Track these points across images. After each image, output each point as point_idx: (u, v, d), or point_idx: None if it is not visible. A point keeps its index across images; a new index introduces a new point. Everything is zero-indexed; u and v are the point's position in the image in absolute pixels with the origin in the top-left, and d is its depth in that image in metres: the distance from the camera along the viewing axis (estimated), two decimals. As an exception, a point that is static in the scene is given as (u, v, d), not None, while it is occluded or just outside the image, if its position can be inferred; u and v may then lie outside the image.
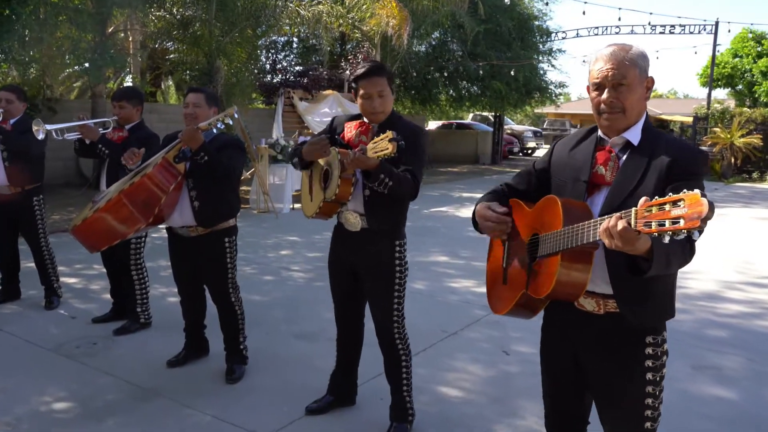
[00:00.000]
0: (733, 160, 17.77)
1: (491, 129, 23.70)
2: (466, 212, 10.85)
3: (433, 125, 26.89)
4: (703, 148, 18.33)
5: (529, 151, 27.49)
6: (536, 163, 2.19)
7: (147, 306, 4.44)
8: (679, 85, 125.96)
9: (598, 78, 1.86)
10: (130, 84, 18.04)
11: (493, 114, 23.01)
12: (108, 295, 5.09)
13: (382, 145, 2.48)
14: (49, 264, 4.93)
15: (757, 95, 30.44)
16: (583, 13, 22.33)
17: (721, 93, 36.24)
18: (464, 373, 3.80)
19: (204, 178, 3.40)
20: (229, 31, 10.35)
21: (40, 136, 3.97)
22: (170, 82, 27.60)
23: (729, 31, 18.09)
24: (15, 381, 3.55)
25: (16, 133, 4.56)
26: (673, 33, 19.31)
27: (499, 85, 17.32)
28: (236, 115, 3.32)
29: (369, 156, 2.55)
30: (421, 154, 2.82)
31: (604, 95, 1.86)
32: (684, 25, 19.19)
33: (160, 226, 3.60)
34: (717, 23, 18.77)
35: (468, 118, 28.21)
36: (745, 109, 19.60)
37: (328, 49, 12.82)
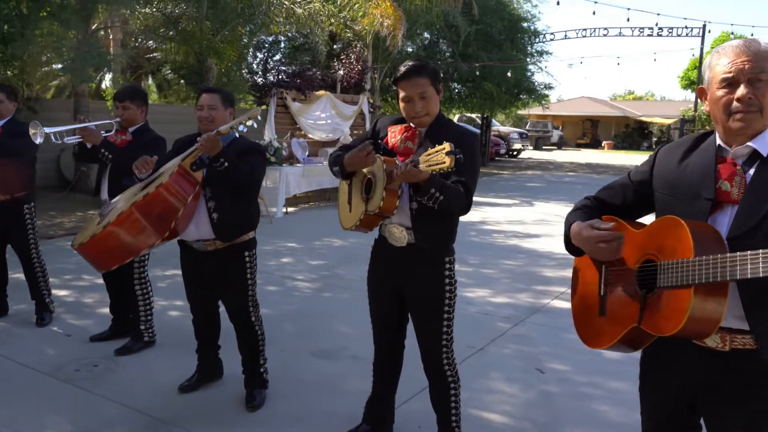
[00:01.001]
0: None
1: (478, 131, 23.53)
2: (467, 216, 10.60)
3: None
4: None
5: (515, 153, 27.38)
6: (633, 174, 1.92)
7: (151, 323, 4.11)
8: (656, 88, 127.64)
9: (730, 72, 1.60)
10: (109, 84, 17.59)
11: (479, 115, 22.85)
12: (105, 310, 4.76)
13: (438, 158, 2.20)
14: (40, 277, 4.57)
15: (736, 98, 30.85)
16: (593, 13, 22.15)
17: (693, 96, 36.70)
18: (502, 395, 3.54)
19: (223, 187, 3.09)
20: (221, 29, 9.97)
21: (38, 141, 3.62)
22: (150, 81, 27.08)
23: (709, 31, 18.09)
24: (10, 411, 3.20)
25: (6, 136, 4.20)
26: (660, 35, 19.33)
27: (490, 86, 17.14)
28: (259, 117, 3.02)
29: (421, 169, 2.27)
30: (475, 163, 2.54)
31: (740, 91, 1.59)
32: (672, 28, 19.21)
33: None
34: (704, 26, 18.83)
35: (454, 120, 28.04)
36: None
37: (325, 49, 12.47)
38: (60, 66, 12.93)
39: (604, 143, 40.84)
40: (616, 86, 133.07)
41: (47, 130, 3.60)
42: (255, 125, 3.01)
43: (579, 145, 42.11)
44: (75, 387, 3.51)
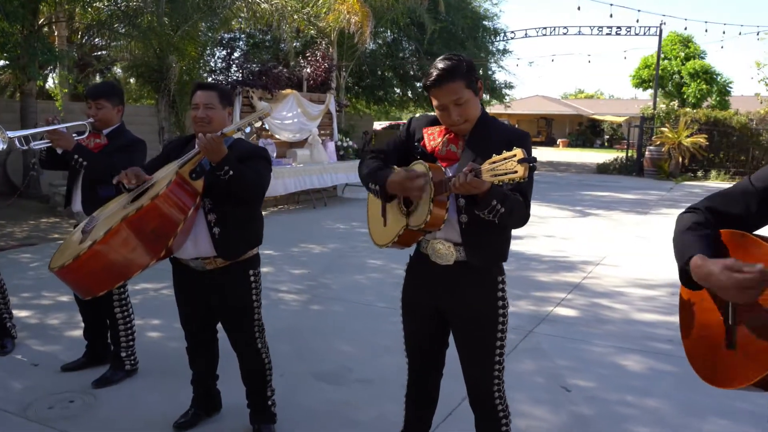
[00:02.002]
0: (680, 159, 18.12)
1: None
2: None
3: (378, 126, 26.37)
4: (651, 147, 18.67)
5: (476, 152, 27.34)
6: (755, 180, 1.64)
7: (133, 349, 3.66)
8: (605, 87, 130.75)
9: None
10: (54, 83, 16.59)
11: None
12: (74, 333, 4.30)
13: (507, 167, 1.88)
14: (0, 299, 4.05)
15: (685, 96, 31.67)
16: (578, 8, 22.04)
17: (644, 94, 37.48)
18: (534, 419, 3.24)
19: (225, 197, 2.70)
20: (181, 25, 9.41)
21: (0, 147, 3.13)
22: (98, 80, 25.95)
23: (660, 31, 18.30)
24: (-24, 463, 2.74)
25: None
26: (619, 34, 19.55)
27: (455, 85, 16.93)
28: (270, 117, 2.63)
29: (484, 179, 1.95)
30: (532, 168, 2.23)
31: None
32: (630, 27, 19.47)
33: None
34: (661, 25, 19.13)
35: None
36: (688, 109, 20.08)
37: (293, 46, 12.00)
38: (3, 63, 12.08)
39: (558, 141, 41.43)
40: (567, 85, 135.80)
41: (11, 134, 3.11)
42: (267, 127, 2.62)
43: (534, 143, 42.51)
44: (49, 428, 3.05)
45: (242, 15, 10.16)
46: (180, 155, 2.88)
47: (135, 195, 2.67)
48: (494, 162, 1.93)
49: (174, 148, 2.98)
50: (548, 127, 44.84)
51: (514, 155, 1.88)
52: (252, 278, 2.87)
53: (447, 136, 2.29)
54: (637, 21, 18.46)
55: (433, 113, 2.42)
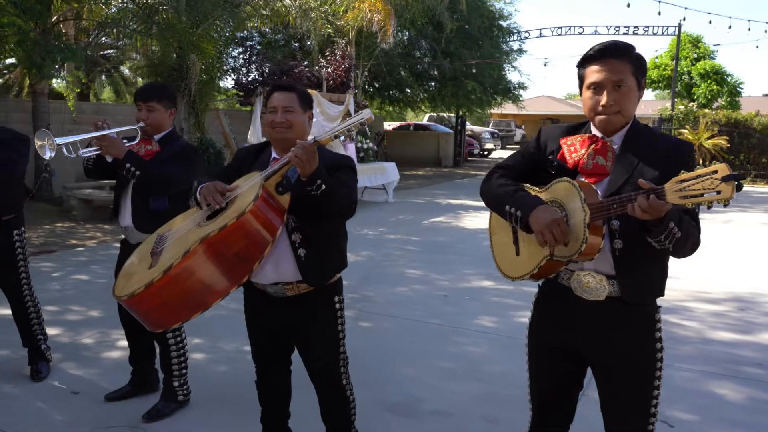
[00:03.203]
0: (701, 161, 17.78)
1: (450, 130, 23.05)
2: (469, 222, 10.01)
3: (387, 126, 26.04)
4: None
5: (487, 153, 27.03)
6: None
7: (186, 378, 3.30)
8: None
9: None
10: (61, 82, 16.19)
11: (453, 115, 22.38)
12: (112, 354, 3.98)
13: (705, 185, 1.54)
14: (34, 318, 3.71)
15: (695, 97, 31.37)
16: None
17: (649, 95, 37.17)
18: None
19: (312, 214, 2.35)
20: (202, 22, 9.05)
21: (48, 155, 2.77)
22: (104, 78, 25.59)
23: (680, 28, 17.95)
24: None
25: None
26: (636, 34, 19.21)
27: (473, 85, 16.61)
28: (372, 118, 2.28)
29: (669, 200, 1.61)
30: None
31: None
32: (648, 26, 19.12)
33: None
34: (680, 25, 18.79)
35: (424, 119, 27.52)
36: (707, 111, 19.74)
37: (308, 44, 11.65)
38: (13, 61, 11.74)
39: (565, 142, 41.00)
40: (571, 86, 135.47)
41: (59, 140, 2.76)
42: (369, 131, 2.27)
43: (540, 144, 42.14)
44: (103, 473, 2.71)
45: (263, 12, 9.80)
46: (253, 164, 2.54)
47: (210, 211, 2.32)
48: (684, 180, 1.59)
49: (245, 157, 2.63)
50: (555, 128, 44.42)
51: (715, 171, 1.54)
52: (338, 306, 2.53)
53: (593, 146, 1.95)
54: (659, 13, 17.91)
55: (563, 124, 2.08)
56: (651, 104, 45.08)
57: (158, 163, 3.05)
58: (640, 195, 1.65)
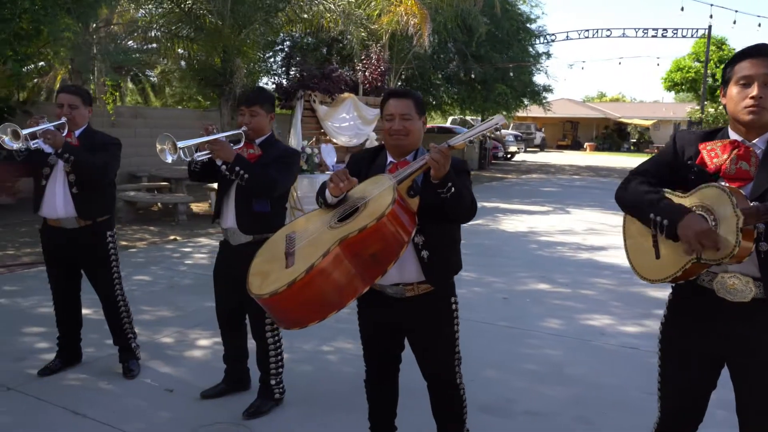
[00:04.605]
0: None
1: (474, 133, 23.02)
2: (508, 225, 10.03)
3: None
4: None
5: (510, 156, 26.98)
6: None
7: (282, 376, 3.37)
8: (626, 90, 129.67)
9: None
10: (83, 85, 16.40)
11: (479, 118, 22.39)
12: (193, 353, 4.07)
13: None
14: (125, 317, 3.80)
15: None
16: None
17: (668, 97, 36.91)
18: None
19: (437, 217, 2.41)
20: (246, 26, 9.17)
21: (169, 159, 2.85)
22: (129, 84, 25.85)
23: (710, 29, 17.85)
24: None
25: (83, 149, 3.43)
26: (665, 36, 19.14)
27: (503, 88, 16.64)
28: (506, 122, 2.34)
29: None
30: None
31: None
32: (677, 29, 19.04)
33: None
34: (710, 27, 18.70)
35: (447, 122, 27.53)
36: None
37: (339, 46, 11.75)
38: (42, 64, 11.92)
39: (585, 145, 40.90)
40: (589, 89, 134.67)
41: (181, 144, 2.84)
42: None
43: (560, 147, 42.09)
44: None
45: (304, 16, 9.92)
46: (370, 169, 2.61)
47: (340, 213, 2.38)
48: None
49: (358, 161, 2.70)
50: (574, 131, 44.35)
51: None
52: (454, 306, 2.59)
53: (735, 151, 1.98)
54: (682, 9, 17.87)
55: (698, 130, 2.12)
56: (672, 107, 44.87)
57: (263, 166, 3.13)
58: None
